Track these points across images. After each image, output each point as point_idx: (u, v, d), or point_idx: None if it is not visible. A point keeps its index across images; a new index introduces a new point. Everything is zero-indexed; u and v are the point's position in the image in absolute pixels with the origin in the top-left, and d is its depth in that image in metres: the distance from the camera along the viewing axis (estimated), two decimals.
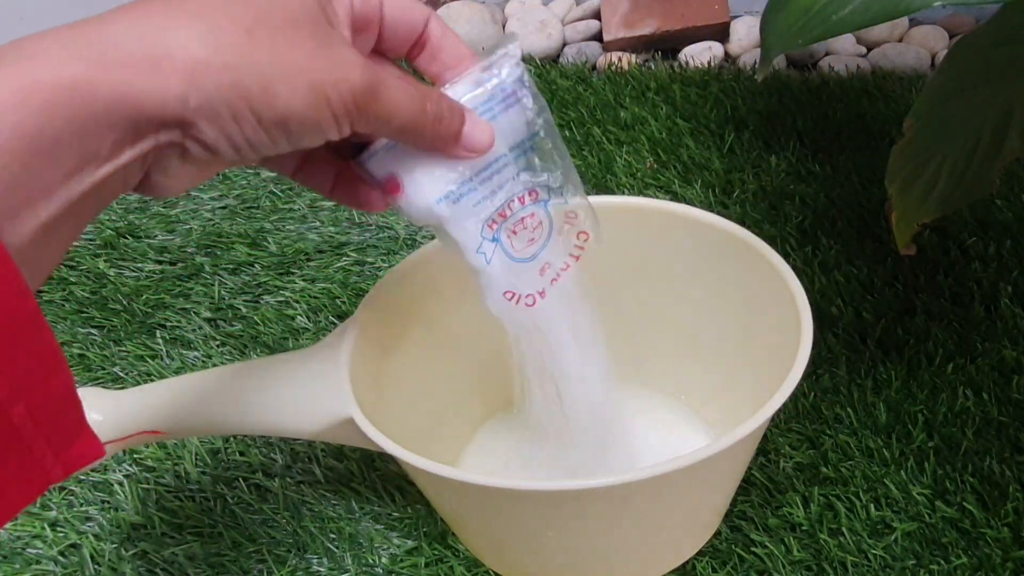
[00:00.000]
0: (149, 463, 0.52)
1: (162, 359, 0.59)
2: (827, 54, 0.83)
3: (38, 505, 0.51)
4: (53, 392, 0.23)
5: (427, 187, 0.33)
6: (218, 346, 0.60)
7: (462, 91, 0.33)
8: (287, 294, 0.63)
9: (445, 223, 0.34)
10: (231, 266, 0.66)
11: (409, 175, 0.32)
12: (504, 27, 0.89)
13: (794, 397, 0.40)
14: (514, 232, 0.35)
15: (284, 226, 0.69)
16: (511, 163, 0.34)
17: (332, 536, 0.48)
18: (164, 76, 0.23)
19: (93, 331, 0.61)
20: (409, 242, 0.66)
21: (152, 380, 0.56)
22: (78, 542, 0.48)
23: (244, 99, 0.24)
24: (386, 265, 0.65)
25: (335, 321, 0.60)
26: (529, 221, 0.36)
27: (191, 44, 0.23)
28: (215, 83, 0.24)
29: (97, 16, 0.23)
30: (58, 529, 0.49)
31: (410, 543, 0.47)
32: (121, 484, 0.51)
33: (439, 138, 0.31)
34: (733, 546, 0.45)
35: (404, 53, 0.33)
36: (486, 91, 0.33)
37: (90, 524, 0.49)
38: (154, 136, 0.24)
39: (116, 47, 0.23)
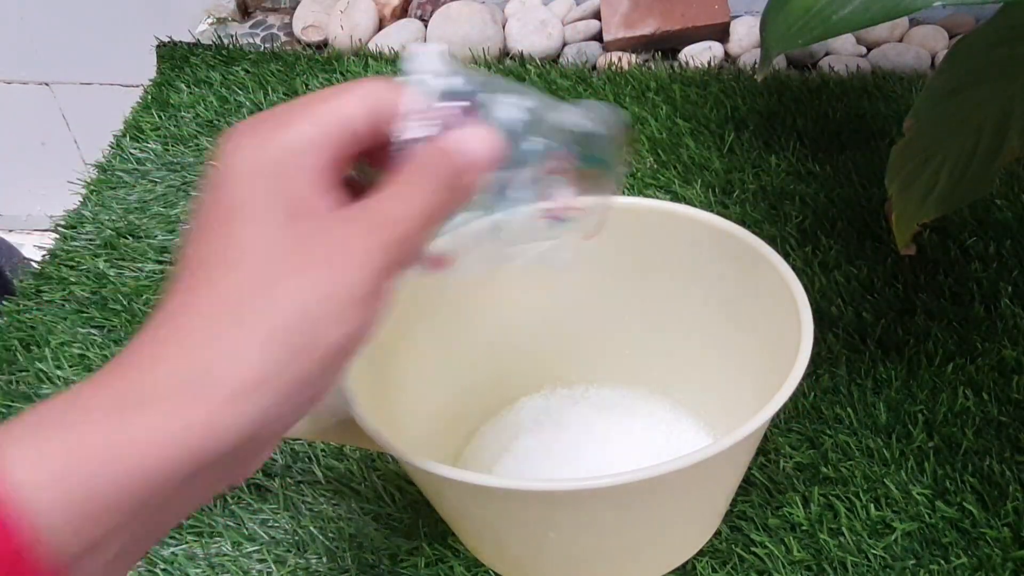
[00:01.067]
0: None
1: None
2: (827, 54, 0.83)
3: None
4: None
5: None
6: None
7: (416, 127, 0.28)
8: None
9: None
10: None
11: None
12: (504, 27, 0.89)
13: (794, 397, 0.40)
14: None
15: None
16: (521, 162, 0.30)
17: (332, 536, 0.48)
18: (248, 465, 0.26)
19: (93, 331, 0.61)
20: None
21: None
22: None
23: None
24: None
25: None
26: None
27: (270, 446, 0.27)
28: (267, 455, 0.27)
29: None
30: None
31: (410, 543, 0.47)
32: None
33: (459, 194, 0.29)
34: (733, 546, 0.45)
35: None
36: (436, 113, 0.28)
37: None
38: None
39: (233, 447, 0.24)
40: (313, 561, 0.47)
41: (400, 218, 0.27)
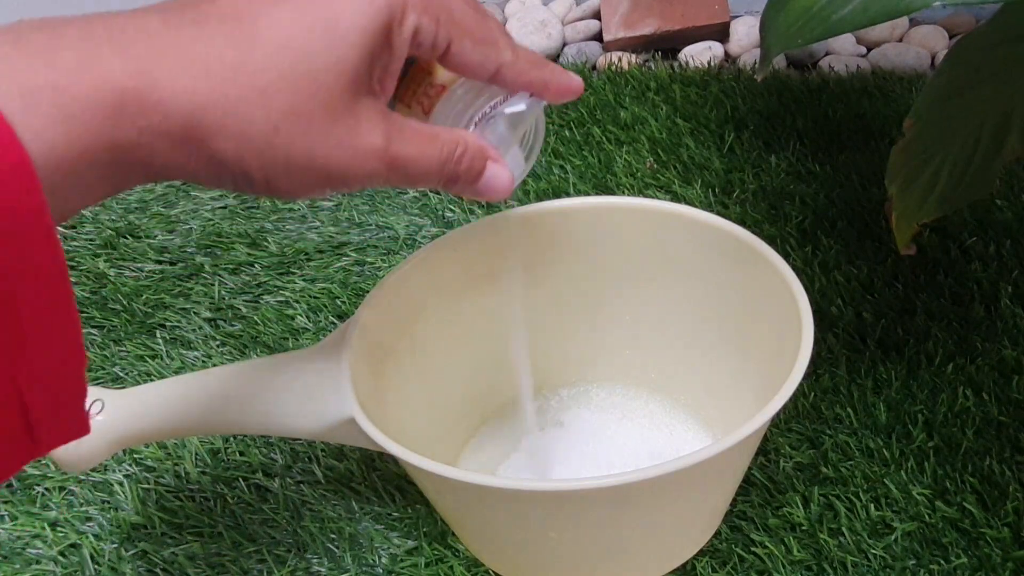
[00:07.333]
0: (149, 463, 0.52)
1: (162, 359, 0.59)
2: (827, 54, 0.83)
3: (38, 505, 0.51)
4: (68, 376, 0.23)
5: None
6: (218, 346, 0.60)
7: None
8: (287, 294, 0.63)
9: None
10: (231, 266, 0.66)
11: None
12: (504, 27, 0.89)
13: (794, 397, 0.40)
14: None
15: (284, 226, 0.69)
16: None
17: (332, 536, 0.48)
18: (190, 154, 0.25)
19: (93, 331, 0.61)
20: (409, 242, 0.66)
21: (152, 380, 0.56)
22: (78, 542, 0.48)
23: (246, 184, 0.26)
24: (386, 265, 0.65)
25: (335, 321, 0.60)
26: None
27: (219, 138, 0.25)
28: (229, 171, 0.26)
29: (145, 65, 0.24)
30: (58, 529, 0.49)
31: (410, 543, 0.47)
32: (121, 484, 0.51)
33: (457, 188, 0.32)
34: (733, 546, 0.45)
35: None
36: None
37: (90, 524, 0.49)
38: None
39: (163, 115, 0.24)
40: (313, 561, 0.47)
41: (403, 156, 0.29)
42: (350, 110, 0.27)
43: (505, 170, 0.33)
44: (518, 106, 0.33)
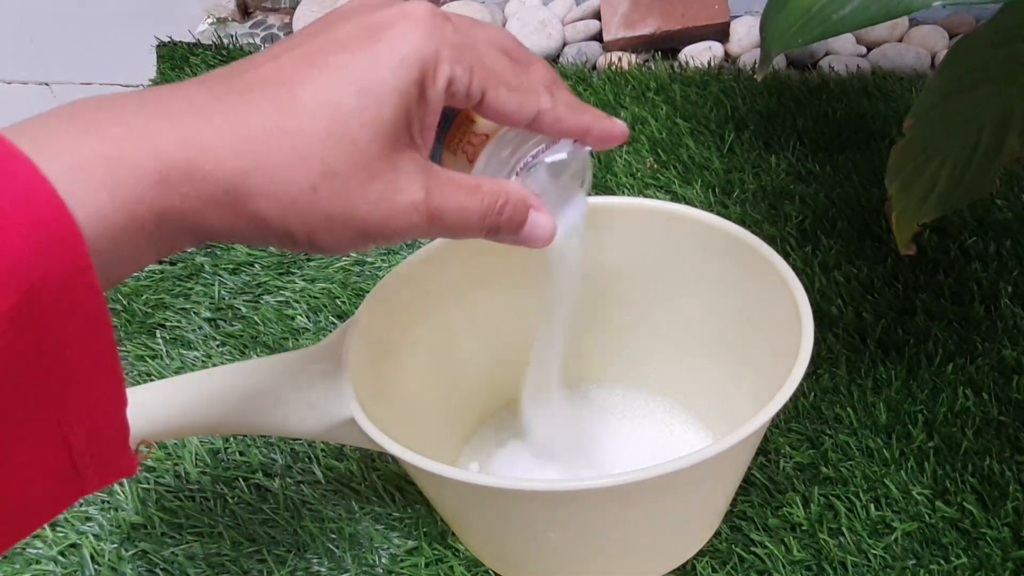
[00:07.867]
0: (149, 463, 0.52)
1: (162, 359, 0.59)
2: (827, 54, 0.83)
3: None
4: (109, 419, 0.25)
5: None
6: (218, 346, 0.60)
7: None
8: (287, 294, 0.63)
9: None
10: (231, 266, 0.66)
11: None
12: (504, 27, 0.89)
13: (794, 397, 0.40)
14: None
15: None
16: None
17: (332, 536, 0.48)
18: (235, 216, 0.26)
19: None
20: (409, 242, 0.66)
21: (152, 380, 0.56)
22: (78, 542, 0.48)
23: (290, 242, 0.27)
24: (386, 265, 0.65)
25: (335, 321, 0.60)
26: None
27: (261, 200, 0.26)
28: (273, 231, 0.27)
29: (192, 135, 0.25)
30: (58, 529, 0.49)
31: (410, 543, 0.47)
32: (121, 484, 0.51)
33: (499, 237, 0.32)
34: (733, 546, 0.45)
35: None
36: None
37: (90, 524, 0.49)
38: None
39: (207, 181, 0.25)
40: (313, 561, 0.47)
41: (444, 208, 0.29)
42: (388, 166, 0.27)
43: (547, 218, 0.33)
44: (559, 154, 0.33)
